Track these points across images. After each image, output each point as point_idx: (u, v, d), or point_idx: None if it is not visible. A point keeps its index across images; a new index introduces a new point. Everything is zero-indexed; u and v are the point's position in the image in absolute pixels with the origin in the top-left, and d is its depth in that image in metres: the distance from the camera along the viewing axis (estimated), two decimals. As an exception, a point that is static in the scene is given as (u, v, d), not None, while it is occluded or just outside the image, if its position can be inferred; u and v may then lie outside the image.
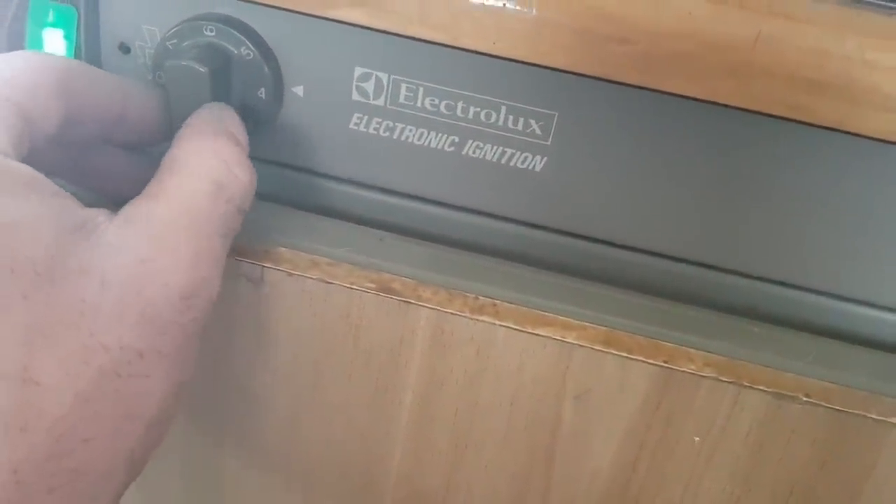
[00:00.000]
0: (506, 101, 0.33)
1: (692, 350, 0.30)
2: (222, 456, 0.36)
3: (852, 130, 0.28)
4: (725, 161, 0.32)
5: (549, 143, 0.34)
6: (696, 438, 0.30)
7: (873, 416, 0.28)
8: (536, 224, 0.35)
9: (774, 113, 0.28)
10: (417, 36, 0.30)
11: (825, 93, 0.28)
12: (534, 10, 0.29)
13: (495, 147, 0.34)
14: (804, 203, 0.32)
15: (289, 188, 0.36)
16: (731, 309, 0.34)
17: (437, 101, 0.34)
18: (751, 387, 0.29)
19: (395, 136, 0.35)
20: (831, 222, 0.32)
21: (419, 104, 0.34)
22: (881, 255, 0.33)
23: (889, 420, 0.28)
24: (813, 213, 0.32)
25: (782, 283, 0.34)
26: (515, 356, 0.30)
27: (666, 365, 0.29)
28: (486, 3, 0.29)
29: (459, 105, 0.34)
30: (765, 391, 0.29)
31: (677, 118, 0.32)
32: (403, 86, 0.34)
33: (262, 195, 0.36)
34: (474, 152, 0.34)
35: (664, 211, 0.34)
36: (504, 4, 0.29)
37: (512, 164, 0.34)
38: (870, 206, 0.32)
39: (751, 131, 0.32)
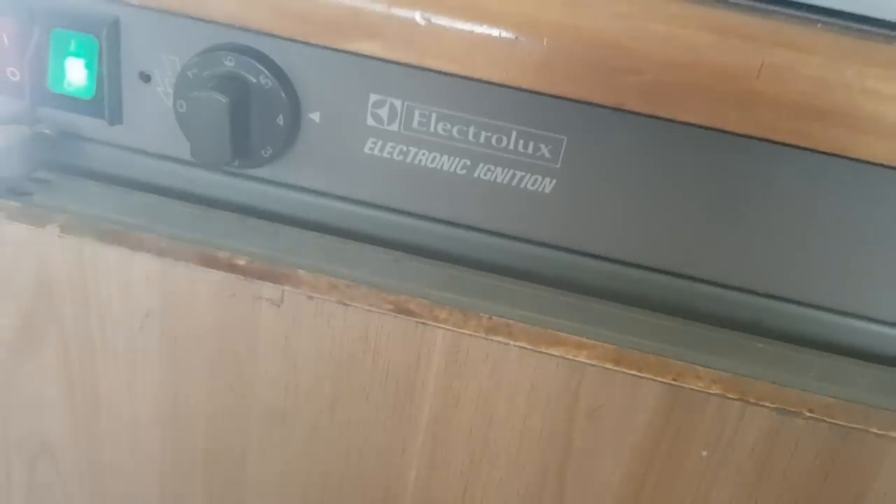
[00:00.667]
0: (516, 126, 0.34)
1: (700, 368, 0.31)
2: (244, 471, 0.37)
3: (854, 156, 0.29)
4: (729, 184, 0.33)
5: (558, 165, 0.35)
6: (704, 453, 0.31)
7: (874, 431, 0.30)
8: (546, 243, 0.36)
9: (779, 140, 0.30)
10: (433, 67, 0.31)
11: (828, 120, 0.29)
12: (545, 42, 0.30)
13: (506, 170, 0.35)
14: (807, 223, 0.33)
15: (307, 211, 0.37)
16: (737, 325, 0.35)
17: (449, 127, 0.35)
18: (756, 403, 0.30)
19: (408, 160, 0.36)
20: (833, 241, 0.33)
21: (432, 129, 0.35)
22: (881, 272, 0.34)
23: (889, 434, 0.30)
24: (816, 232, 0.33)
25: (787, 300, 0.35)
26: (529, 375, 0.31)
27: (675, 382, 0.30)
28: (499, 35, 0.30)
29: (471, 130, 0.35)
30: (769, 407, 0.30)
31: (684, 143, 0.33)
32: (417, 112, 0.35)
33: (282, 219, 0.38)
34: (485, 175, 0.35)
35: (671, 231, 0.35)
36: (516, 37, 0.30)
37: (522, 186, 0.35)
38: (870, 227, 0.33)
39: (755, 156, 0.33)
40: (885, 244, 0.33)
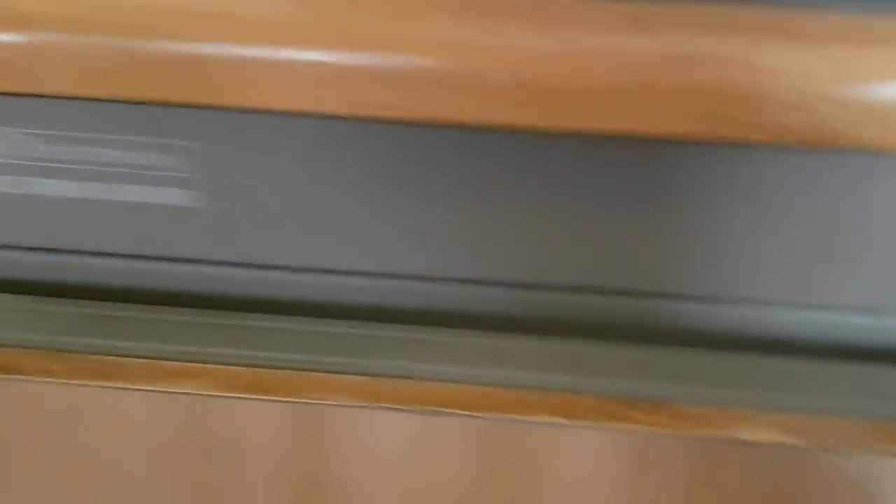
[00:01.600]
0: (138, 138, 0.31)
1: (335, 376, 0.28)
2: None
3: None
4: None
5: (199, 177, 0.32)
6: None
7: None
8: (194, 259, 0.33)
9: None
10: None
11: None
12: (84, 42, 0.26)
13: (136, 187, 0.32)
14: (568, 206, 0.31)
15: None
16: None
17: (63, 149, 0.31)
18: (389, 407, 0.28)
19: (22, 192, 0.32)
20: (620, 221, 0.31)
21: (43, 155, 0.31)
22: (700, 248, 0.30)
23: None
24: (583, 215, 0.31)
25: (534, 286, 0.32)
26: (148, 412, 0.28)
27: (306, 400, 0.28)
28: (44, 42, 0.27)
29: (88, 149, 0.31)
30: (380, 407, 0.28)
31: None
32: (26, 138, 0.31)
33: None
34: (115, 195, 0.32)
35: (336, 232, 0.32)
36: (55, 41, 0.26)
37: (159, 201, 0.32)
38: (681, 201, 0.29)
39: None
40: (703, 219, 0.30)
